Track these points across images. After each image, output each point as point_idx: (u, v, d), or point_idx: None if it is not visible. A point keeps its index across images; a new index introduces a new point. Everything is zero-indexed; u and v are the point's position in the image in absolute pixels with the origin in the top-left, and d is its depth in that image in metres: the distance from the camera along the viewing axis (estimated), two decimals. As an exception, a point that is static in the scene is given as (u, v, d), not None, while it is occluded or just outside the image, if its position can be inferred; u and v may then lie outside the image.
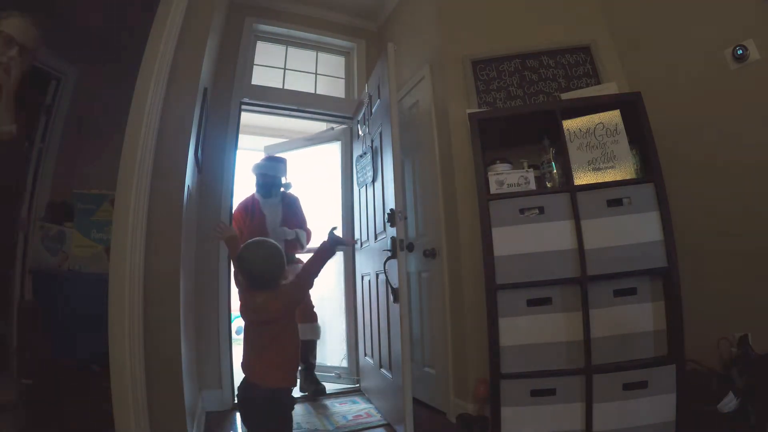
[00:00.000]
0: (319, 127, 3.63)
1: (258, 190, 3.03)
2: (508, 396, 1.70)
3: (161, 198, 1.59)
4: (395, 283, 1.98)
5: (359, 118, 2.89)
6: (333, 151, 3.39)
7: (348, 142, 3.29)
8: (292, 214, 3.04)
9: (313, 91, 3.33)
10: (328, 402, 2.58)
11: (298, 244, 2.96)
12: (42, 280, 1.89)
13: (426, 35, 2.67)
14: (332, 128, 3.42)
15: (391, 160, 2.05)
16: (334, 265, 3.20)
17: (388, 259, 2.03)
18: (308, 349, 2.84)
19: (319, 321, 2.96)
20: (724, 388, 1.59)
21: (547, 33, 2.41)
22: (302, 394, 2.76)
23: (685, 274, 1.72)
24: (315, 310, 2.95)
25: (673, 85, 2.08)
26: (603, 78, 2.27)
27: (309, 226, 3.12)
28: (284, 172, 3.10)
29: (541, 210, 1.79)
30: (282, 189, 3.07)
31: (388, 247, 2.04)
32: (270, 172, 3.04)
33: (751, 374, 1.58)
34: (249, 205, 2.98)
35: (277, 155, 3.35)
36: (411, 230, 2.73)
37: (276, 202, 2.99)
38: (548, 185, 1.92)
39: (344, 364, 3.06)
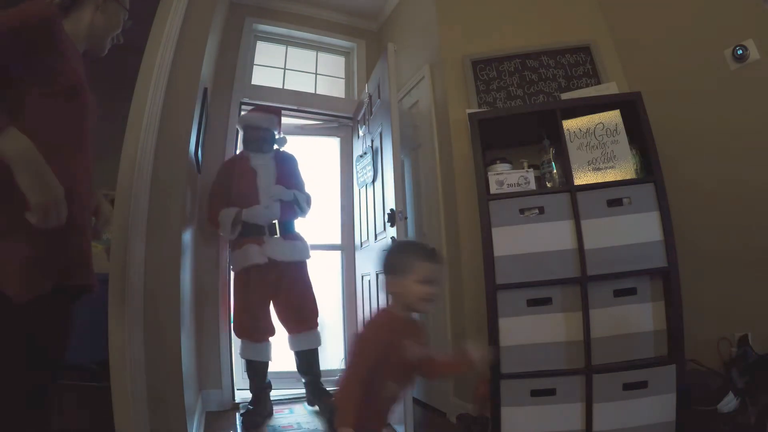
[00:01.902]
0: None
1: (246, 146, 2.58)
2: (508, 396, 1.70)
3: (161, 198, 1.60)
4: (395, 283, 1.97)
5: (359, 118, 2.89)
6: (332, 148, 3.37)
7: (347, 140, 3.29)
8: (288, 173, 2.57)
9: (313, 91, 3.33)
10: (328, 402, 2.58)
11: (297, 208, 2.52)
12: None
13: (426, 35, 2.67)
14: (335, 122, 3.31)
15: (391, 160, 2.05)
16: (334, 265, 3.19)
17: (388, 259, 2.02)
18: (311, 359, 2.43)
19: (319, 319, 2.53)
20: (724, 388, 1.59)
21: (547, 33, 2.41)
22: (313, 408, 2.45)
23: (685, 274, 1.72)
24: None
25: (673, 85, 2.08)
26: (603, 78, 2.27)
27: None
28: (277, 125, 2.64)
29: (541, 210, 1.79)
30: (275, 146, 2.64)
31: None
32: (262, 124, 2.57)
33: (751, 374, 1.58)
34: (236, 162, 2.55)
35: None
36: (411, 230, 2.73)
37: (268, 158, 2.54)
38: (548, 185, 1.92)
39: (344, 364, 3.06)
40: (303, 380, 2.48)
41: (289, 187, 2.50)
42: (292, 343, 2.42)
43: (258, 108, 2.67)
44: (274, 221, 2.42)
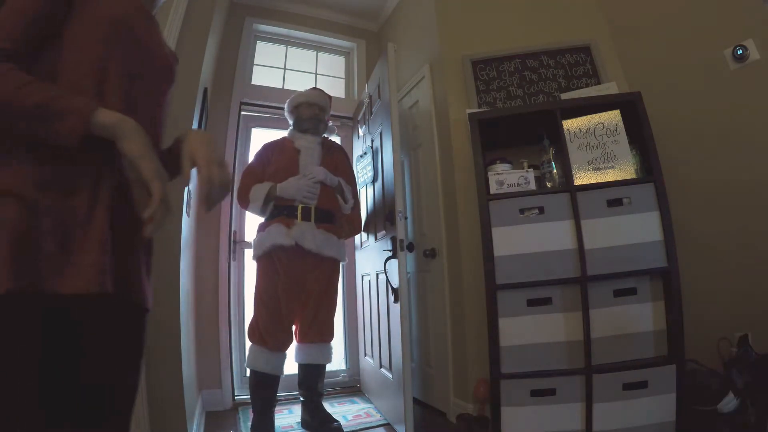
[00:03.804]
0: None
1: (297, 125, 2.32)
2: (508, 396, 1.70)
3: (161, 198, 1.59)
4: (395, 283, 1.98)
5: (359, 118, 2.89)
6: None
7: (348, 139, 3.29)
8: (335, 162, 2.29)
9: (313, 91, 3.33)
10: (327, 402, 2.58)
11: (342, 200, 2.23)
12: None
13: (426, 35, 2.67)
14: (336, 121, 3.29)
15: (391, 160, 2.05)
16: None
17: (388, 259, 2.03)
18: (317, 375, 2.16)
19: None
20: (724, 388, 1.59)
21: (547, 33, 2.41)
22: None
23: (685, 274, 1.72)
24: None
25: (673, 85, 2.08)
26: (603, 78, 2.27)
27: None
28: (329, 110, 2.42)
29: (541, 210, 1.79)
30: (324, 135, 2.39)
31: (388, 247, 2.04)
32: (319, 102, 2.33)
33: (751, 374, 1.58)
34: (277, 143, 2.30)
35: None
36: (411, 230, 2.73)
37: (315, 141, 2.27)
38: (548, 185, 1.92)
39: (344, 364, 3.06)
40: (301, 398, 2.21)
41: (336, 175, 2.25)
42: (301, 354, 2.15)
43: (313, 88, 2.45)
44: (310, 204, 2.11)
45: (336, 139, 2.82)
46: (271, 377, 2.02)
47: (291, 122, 2.39)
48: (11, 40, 0.66)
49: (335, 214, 2.21)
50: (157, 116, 0.87)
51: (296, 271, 2.07)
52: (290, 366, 2.25)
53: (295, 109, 2.36)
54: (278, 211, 2.10)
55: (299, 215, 2.09)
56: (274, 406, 2.08)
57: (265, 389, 2.03)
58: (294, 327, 2.15)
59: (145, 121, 0.75)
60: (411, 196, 2.77)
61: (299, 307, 2.11)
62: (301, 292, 2.10)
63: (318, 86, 3.34)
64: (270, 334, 2.01)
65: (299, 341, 2.16)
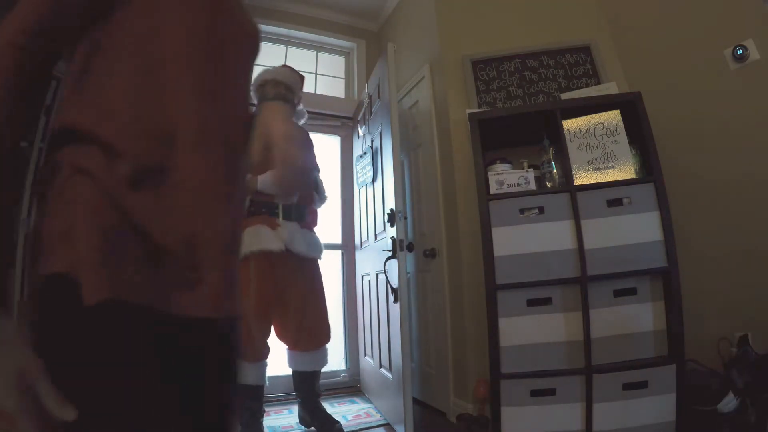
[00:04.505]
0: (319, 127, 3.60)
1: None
2: (508, 396, 1.70)
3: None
4: (395, 283, 1.98)
5: (359, 118, 2.89)
6: (332, 147, 3.37)
7: (348, 139, 3.29)
8: (304, 149, 2.25)
9: (313, 91, 3.33)
10: (327, 402, 2.58)
11: (315, 191, 2.17)
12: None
13: (426, 35, 2.67)
14: (337, 121, 3.28)
15: (391, 160, 2.05)
16: (334, 265, 3.19)
17: (388, 259, 2.03)
18: (312, 379, 2.12)
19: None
20: (724, 388, 1.59)
21: (547, 33, 2.41)
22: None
23: (685, 274, 1.72)
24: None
25: (673, 85, 2.08)
26: (603, 78, 2.27)
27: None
28: (300, 91, 2.15)
29: (541, 210, 1.79)
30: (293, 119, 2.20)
31: (388, 247, 2.04)
32: (288, 80, 2.05)
33: (751, 374, 1.58)
34: None
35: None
36: (411, 230, 2.73)
37: None
38: (548, 185, 1.92)
39: (344, 364, 3.06)
40: (298, 399, 2.17)
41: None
42: (295, 362, 2.09)
43: (284, 66, 2.15)
44: (291, 201, 2.07)
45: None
46: (255, 387, 1.95)
47: (255, 102, 2.07)
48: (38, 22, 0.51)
49: (307, 210, 2.14)
50: (245, 84, 0.77)
51: (278, 275, 1.97)
52: (287, 366, 2.21)
53: (260, 88, 2.06)
54: (257, 208, 1.95)
55: (281, 213, 1.98)
56: (262, 416, 2.00)
57: (250, 400, 1.95)
58: (274, 329, 2.06)
59: (232, 90, 0.66)
60: (411, 196, 2.77)
61: (279, 311, 2.02)
62: (282, 296, 2.00)
63: (318, 86, 3.38)
64: (247, 347, 1.91)
65: (291, 349, 2.09)
